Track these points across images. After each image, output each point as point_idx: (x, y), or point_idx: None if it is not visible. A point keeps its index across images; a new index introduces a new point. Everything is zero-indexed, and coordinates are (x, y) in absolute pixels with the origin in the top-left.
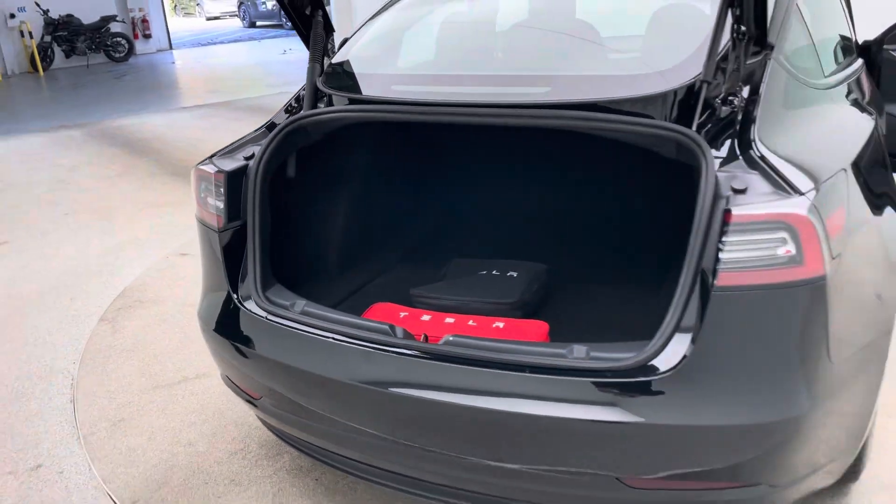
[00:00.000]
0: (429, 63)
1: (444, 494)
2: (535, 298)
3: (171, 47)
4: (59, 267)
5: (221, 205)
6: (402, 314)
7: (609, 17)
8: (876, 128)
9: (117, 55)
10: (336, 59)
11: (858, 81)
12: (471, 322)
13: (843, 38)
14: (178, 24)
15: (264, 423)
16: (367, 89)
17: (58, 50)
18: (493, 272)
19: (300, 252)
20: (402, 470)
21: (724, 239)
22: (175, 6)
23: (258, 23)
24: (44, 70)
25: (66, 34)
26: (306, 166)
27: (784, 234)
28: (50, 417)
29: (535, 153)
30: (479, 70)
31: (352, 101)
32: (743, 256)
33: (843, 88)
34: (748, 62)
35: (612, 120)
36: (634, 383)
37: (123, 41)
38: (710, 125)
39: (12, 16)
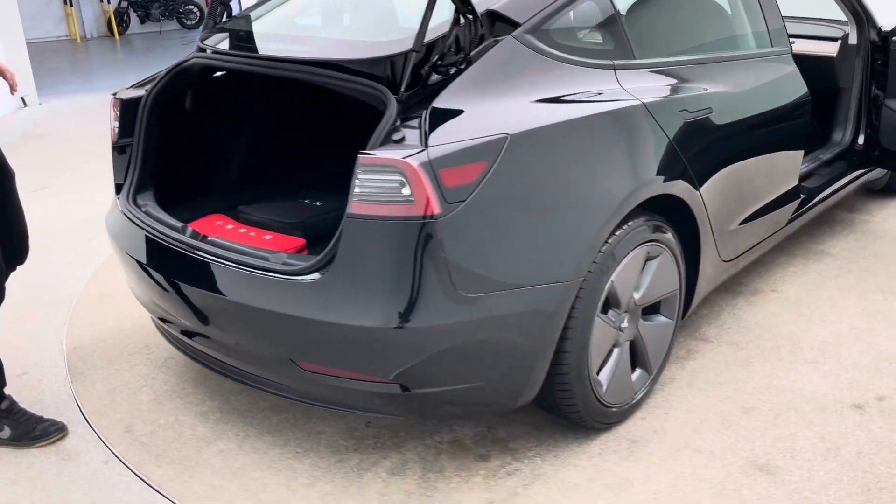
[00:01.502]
0: (259, 23)
1: (207, 363)
2: (322, 224)
3: None
4: (89, 212)
5: (117, 124)
6: (218, 223)
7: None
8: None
9: (189, 22)
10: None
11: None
12: (252, 233)
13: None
14: None
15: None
16: (214, 43)
17: (133, 16)
18: (306, 201)
19: (194, 171)
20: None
21: (358, 176)
22: None
23: None
24: (119, 34)
25: (141, 0)
26: (202, 102)
27: (400, 177)
28: (44, 336)
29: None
30: (281, 31)
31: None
32: (369, 191)
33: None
34: (489, 39)
35: (327, 75)
36: (296, 283)
37: (195, 9)
38: (417, 88)
39: None
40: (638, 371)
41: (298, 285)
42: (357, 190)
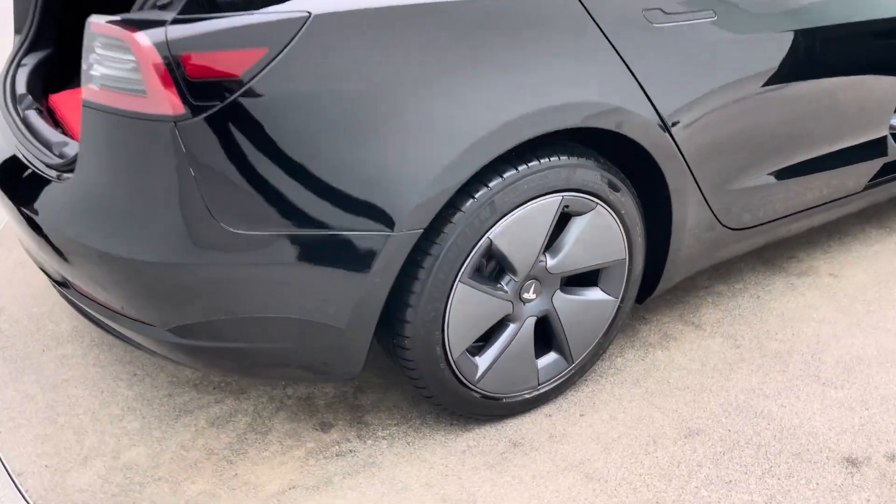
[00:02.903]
0: None
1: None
2: None
3: None
4: None
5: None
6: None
7: None
8: None
9: None
10: None
11: None
12: None
13: None
14: None
15: None
16: None
17: None
18: None
19: None
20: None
21: (94, 50)
22: None
23: None
24: None
25: None
26: None
27: (133, 58)
28: None
29: None
30: None
31: None
32: (105, 73)
33: None
34: None
35: None
36: (51, 184)
37: None
38: None
39: None
40: (552, 356)
41: (52, 186)
42: (93, 71)
